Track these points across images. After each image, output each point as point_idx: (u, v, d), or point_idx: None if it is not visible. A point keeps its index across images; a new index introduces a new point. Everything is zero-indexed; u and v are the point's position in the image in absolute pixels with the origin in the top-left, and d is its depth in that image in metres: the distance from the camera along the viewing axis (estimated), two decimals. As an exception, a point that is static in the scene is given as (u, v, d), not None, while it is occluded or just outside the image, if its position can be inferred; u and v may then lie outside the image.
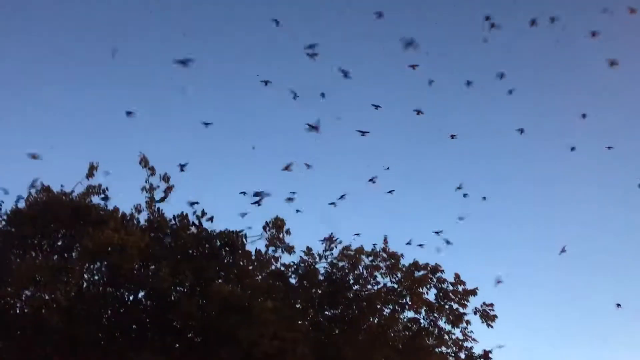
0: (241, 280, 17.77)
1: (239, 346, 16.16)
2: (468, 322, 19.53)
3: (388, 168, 20.78)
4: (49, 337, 16.34)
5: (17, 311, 17.32)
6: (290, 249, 18.98)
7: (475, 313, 19.55)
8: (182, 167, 18.16)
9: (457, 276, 19.71)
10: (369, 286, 19.52)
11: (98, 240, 16.35)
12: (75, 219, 17.71)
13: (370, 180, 19.67)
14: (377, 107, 19.02)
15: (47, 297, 16.69)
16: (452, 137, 21.35)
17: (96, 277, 18.07)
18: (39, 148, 19.18)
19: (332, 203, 19.54)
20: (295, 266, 19.35)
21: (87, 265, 17.63)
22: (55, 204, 17.86)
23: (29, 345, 16.38)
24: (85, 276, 17.81)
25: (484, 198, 22.30)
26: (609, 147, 22.88)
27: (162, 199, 18.52)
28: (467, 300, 19.53)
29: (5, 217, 18.10)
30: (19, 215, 17.85)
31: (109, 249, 16.65)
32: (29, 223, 17.52)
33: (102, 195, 18.47)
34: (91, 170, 18.39)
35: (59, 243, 18.15)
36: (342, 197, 19.58)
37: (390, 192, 20.90)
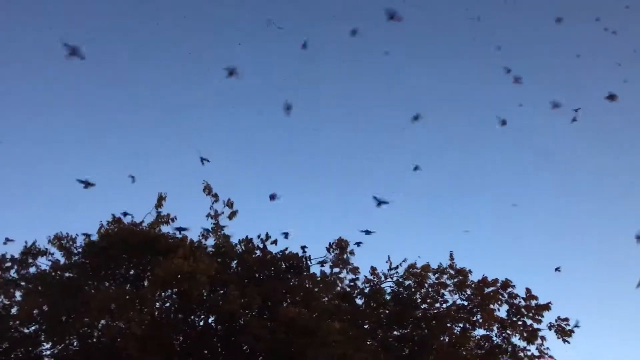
0: (307, 302, 17.82)
1: (307, 368, 16.14)
2: (543, 338, 18.90)
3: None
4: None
5: (95, 340, 17.89)
6: (355, 270, 18.97)
7: (550, 328, 18.93)
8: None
9: (528, 291, 19.23)
10: (437, 304, 19.23)
11: (168, 269, 16.71)
12: (145, 248, 18.20)
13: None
14: None
15: (122, 326, 17.16)
16: None
17: (167, 305, 18.51)
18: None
19: None
20: (360, 287, 19.31)
21: (158, 293, 18.05)
22: (126, 235, 18.45)
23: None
24: (157, 304, 18.25)
25: None
26: None
27: (233, 214, 18.91)
28: (541, 316, 18.94)
29: (80, 250, 18.82)
30: (93, 247, 18.54)
31: (179, 276, 17.01)
32: (102, 254, 18.15)
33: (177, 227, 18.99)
34: (160, 201, 19.02)
35: (131, 272, 18.72)
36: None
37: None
